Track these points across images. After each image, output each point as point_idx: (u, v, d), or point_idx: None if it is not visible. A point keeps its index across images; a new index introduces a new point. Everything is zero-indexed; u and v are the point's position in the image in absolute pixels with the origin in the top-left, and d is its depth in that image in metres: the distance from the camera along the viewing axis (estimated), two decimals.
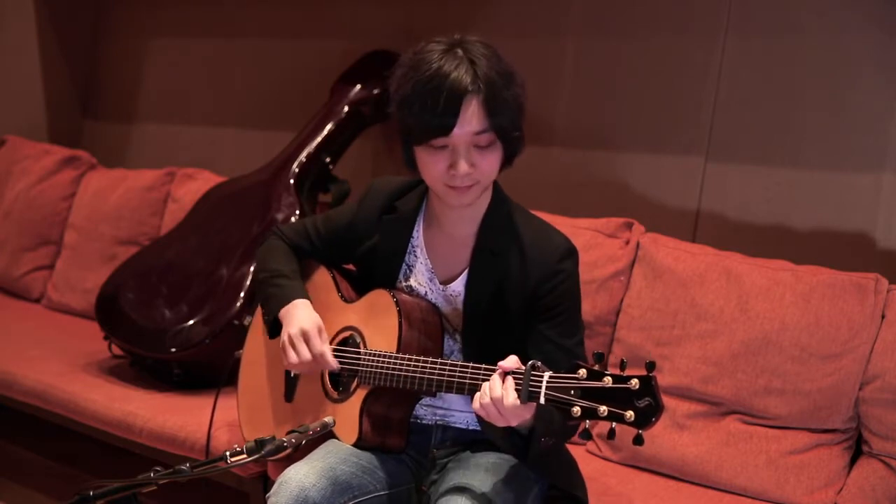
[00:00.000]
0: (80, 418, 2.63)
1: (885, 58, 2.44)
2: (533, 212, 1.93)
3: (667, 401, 2.24)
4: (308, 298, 1.94)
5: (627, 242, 2.47)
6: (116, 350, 2.89)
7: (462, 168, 1.70)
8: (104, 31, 4.28)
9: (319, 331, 1.87)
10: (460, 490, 1.72)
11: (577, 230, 2.46)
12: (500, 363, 1.60)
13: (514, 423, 1.59)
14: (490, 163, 1.74)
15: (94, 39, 4.30)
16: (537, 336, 1.79)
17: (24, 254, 3.67)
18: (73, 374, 2.75)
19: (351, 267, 2.05)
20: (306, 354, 1.85)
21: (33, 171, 3.79)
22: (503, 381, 1.57)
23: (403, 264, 1.90)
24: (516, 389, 1.55)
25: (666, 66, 2.76)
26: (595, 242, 2.46)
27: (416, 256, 1.90)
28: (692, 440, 2.22)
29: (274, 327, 1.96)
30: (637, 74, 2.82)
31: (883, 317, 2.15)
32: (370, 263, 1.93)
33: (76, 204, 3.67)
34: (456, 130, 1.68)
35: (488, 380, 1.60)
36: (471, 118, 1.68)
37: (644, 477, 2.22)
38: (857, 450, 2.17)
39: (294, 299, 1.92)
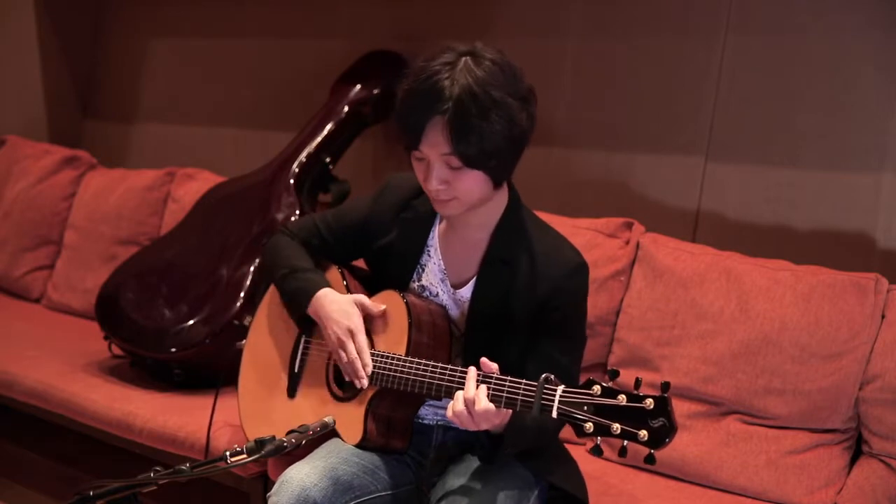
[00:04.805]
0: (80, 418, 2.63)
1: (885, 58, 2.44)
2: (534, 212, 1.92)
3: None
4: (329, 286, 1.90)
5: (627, 242, 2.47)
6: (116, 350, 2.89)
7: (431, 184, 1.70)
8: (104, 31, 4.27)
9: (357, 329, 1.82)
10: (461, 492, 1.72)
11: (577, 230, 2.46)
12: (483, 359, 1.63)
13: (485, 428, 1.62)
14: (466, 183, 1.70)
15: (94, 39, 4.29)
16: (536, 348, 1.79)
17: (24, 254, 3.67)
18: (73, 374, 2.74)
19: (361, 263, 2.04)
20: (353, 354, 1.81)
21: (33, 171, 3.78)
22: (477, 387, 1.60)
23: (417, 264, 1.90)
24: (509, 398, 1.58)
25: (666, 66, 2.76)
26: (595, 242, 2.46)
27: (429, 256, 1.89)
28: (692, 440, 2.22)
29: (303, 320, 1.93)
30: (637, 74, 2.82)
31: (883, 317, 2.15)
32: (384, 261, 1.92)
33: (76, 204, 3.67)
34: (422, 147, 1.68)
35: (490, 383, 1.61)
36: (435, 139, 1.66)
37: (644, 477, 2.22)
38: (858, 450, 2.17)
39: (318, 290, 1.88)
